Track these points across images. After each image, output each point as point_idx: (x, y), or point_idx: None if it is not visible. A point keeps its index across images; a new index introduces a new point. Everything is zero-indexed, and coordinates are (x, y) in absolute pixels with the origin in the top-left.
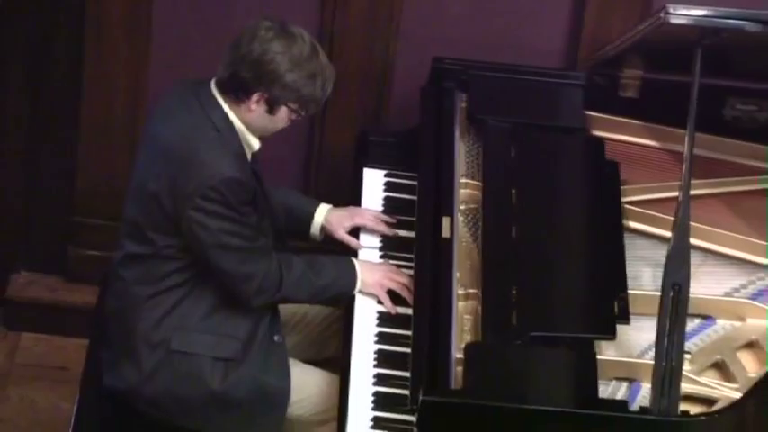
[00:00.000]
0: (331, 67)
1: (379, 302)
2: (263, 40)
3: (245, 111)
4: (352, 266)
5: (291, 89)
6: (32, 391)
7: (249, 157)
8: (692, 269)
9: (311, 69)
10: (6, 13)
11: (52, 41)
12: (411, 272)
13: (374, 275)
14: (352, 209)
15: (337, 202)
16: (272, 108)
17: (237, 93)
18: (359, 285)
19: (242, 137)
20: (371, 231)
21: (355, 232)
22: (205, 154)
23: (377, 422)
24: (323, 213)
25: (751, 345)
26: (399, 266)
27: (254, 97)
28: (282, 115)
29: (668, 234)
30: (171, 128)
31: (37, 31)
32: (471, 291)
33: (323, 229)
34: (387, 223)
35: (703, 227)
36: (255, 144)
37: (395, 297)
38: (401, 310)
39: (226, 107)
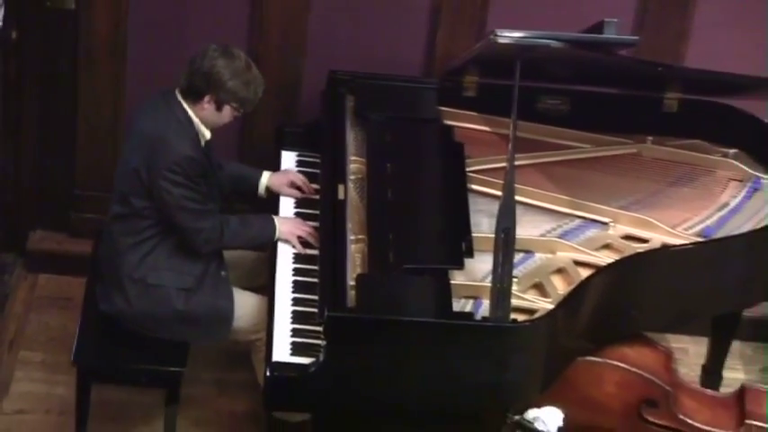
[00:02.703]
0: (261, 77)
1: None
2: (211, 58)
3: (200, 109)
4: (272, 221)
5: (232, 93)
6: (47, 316)
7: (203, 143)
8: (517, 218)
9: (246, 79)
10: (22, 44)
11: (55, 62)
12: (317, 224)
13: (287, 226)
14: (284, 171)
15: None
16: (219, 107)
17: (194, 96)
18: (277, 234)
19: (197, 129)
20: (289, 195)
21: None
22: (171, 139)
23: (295, 332)
24: (266, 177)
25: (560, 270)
26: (308, 219)
27: (206, 99)
28: (227, 113)
29: (499, 193)
30: (149, 122)
31: (45, 55)
32: (360, 237)
33: (267, 189)
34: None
35: (524, 187)
36: (207, 134)
37: (305, 242)
38: (310, 251)
39: (186, 107)
